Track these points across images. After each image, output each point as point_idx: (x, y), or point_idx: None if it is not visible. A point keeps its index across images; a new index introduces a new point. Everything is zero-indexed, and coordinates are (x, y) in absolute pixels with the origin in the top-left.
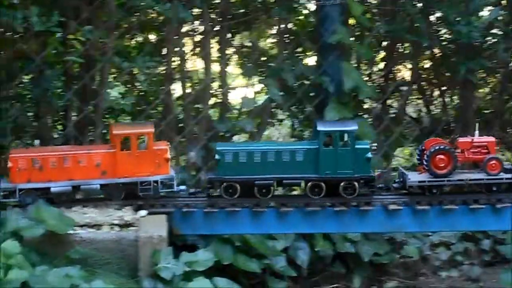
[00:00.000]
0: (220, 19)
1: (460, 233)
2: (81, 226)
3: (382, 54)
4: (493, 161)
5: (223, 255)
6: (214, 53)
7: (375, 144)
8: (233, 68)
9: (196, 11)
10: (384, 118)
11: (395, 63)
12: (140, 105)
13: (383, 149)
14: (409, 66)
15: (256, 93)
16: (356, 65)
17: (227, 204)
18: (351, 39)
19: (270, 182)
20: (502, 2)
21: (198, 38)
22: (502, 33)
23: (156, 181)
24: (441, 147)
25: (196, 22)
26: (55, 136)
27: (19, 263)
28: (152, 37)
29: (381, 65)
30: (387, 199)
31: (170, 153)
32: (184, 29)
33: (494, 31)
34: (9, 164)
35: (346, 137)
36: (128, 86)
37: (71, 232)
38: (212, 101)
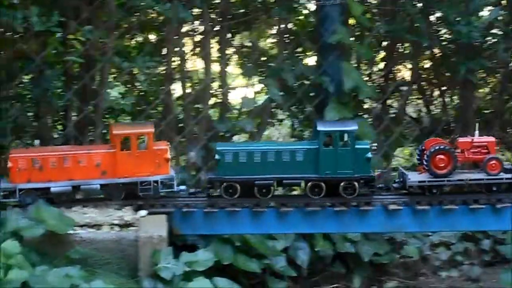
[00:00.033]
0: (220, 19)
1: (460, 233)
2: (81, 226)
3: (382, 54)
4: (493, 161)
5: (223, 255)
6: (214, 53)
7: (375, 144)
8: (233, 68)
9: (196, 11)
10: (384, 118)
11: (395, 63)
12: (140, 105)
13: (383, 149)
14: (409, 66)
15: (256, 93)
16: (356, 65)
17: (227, 204)
18: (351, 39)
19: (270, 182)
20: (502, 2)
21: (198, 38)
22: (502, 33)
23: (156, 181)
24: (441, 147)
25: (196, 22)
26: (55, 136)
27: (19, 263)
28: (152, 37)
29: (381, 65)
30: (387, 199)
31: (170, 153)
32: (184, 29)
33: (494, 31)
34: (9, 164)
35: (346, 137)
36: (128, 86)
37: (71, 232)
38: (212, 101)
